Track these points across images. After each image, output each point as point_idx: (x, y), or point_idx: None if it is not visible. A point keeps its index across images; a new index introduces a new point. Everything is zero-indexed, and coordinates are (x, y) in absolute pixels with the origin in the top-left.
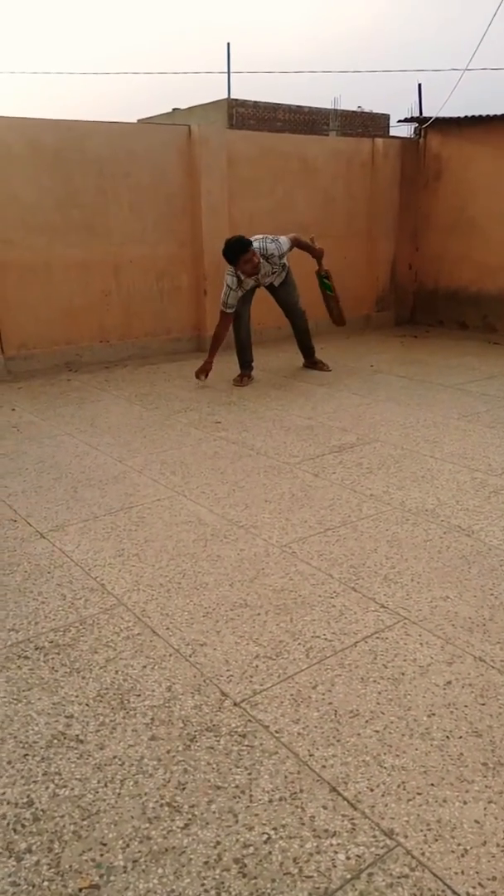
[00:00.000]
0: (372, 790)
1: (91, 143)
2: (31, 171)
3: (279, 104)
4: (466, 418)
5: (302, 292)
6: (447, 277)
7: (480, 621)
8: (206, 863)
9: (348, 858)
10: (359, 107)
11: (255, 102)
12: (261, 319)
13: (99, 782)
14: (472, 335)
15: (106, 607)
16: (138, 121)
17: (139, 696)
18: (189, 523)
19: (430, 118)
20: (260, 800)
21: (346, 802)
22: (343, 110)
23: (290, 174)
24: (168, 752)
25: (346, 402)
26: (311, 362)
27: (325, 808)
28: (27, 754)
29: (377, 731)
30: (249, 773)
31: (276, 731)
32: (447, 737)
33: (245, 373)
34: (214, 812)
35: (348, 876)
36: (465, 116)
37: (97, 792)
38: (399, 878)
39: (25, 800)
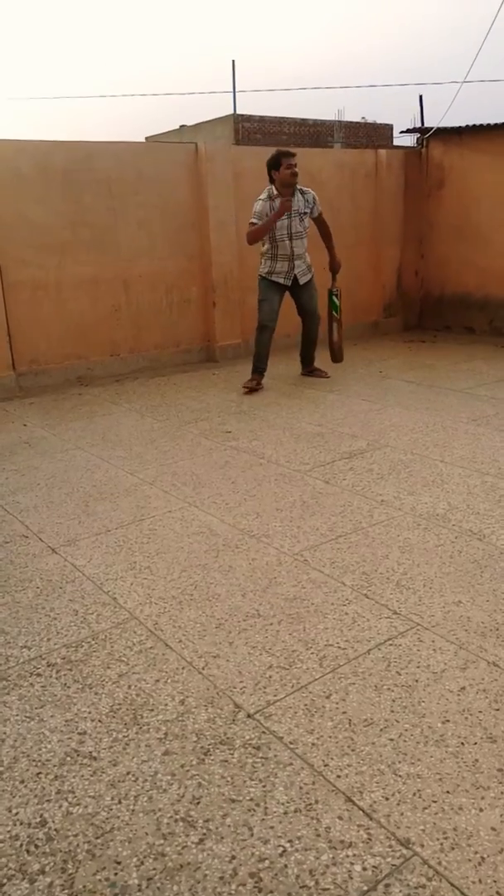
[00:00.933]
0: (387, 799)
1: (99, 163)
2: (41, 192)
3: (284, 118)
4: (475, 422)
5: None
6: (453, 283)
7: (494, 626)
8: (221, 878)
9: (365, 869)
10: (363, 118)
11: (261, 117)
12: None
13: (112, 799)
14: (480, 339)
15: (118, 621)
16: (146, 139)
17: (152, 710)
18: (200, 534)
19: (432, 128)
20: (275, 812)
21: (361, 812)
22: (347, 122)
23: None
24: (182, 766)
25: (355, 408)
26: (309, 370)
27: (340, 818)
28: (40, 773)
29: (392, 740)
30: (264, 786)
31: (291, 742)
32: (462, 743)
33: (256, 377)
34: (229, 826)
35: (365, 888)
36: (466, 126)
37: (111, 809)
38: (416, 888)
39: (38, 819)
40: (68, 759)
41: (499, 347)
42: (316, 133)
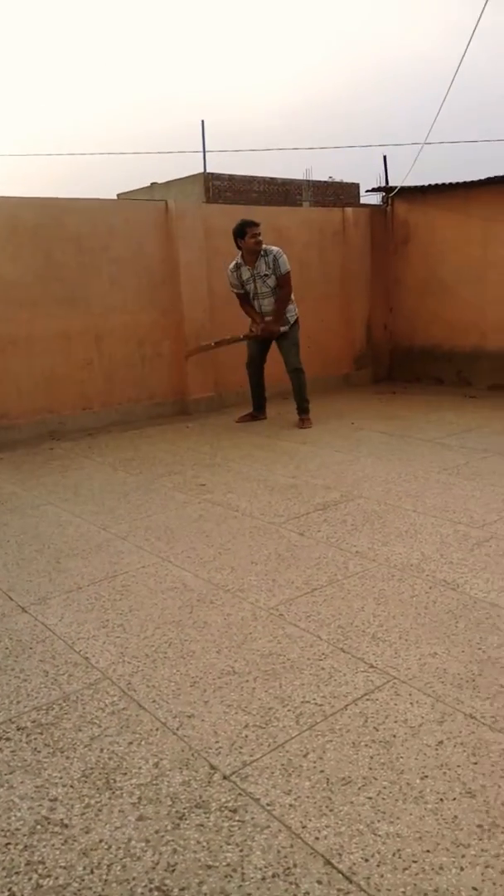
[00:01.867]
0: (367, 860)
1: (70, 219)
2: (12, 248)
3: (254, 177)
4: (447, 471)
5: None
6: (422, 336)
7: (469, 677)
8: None
9: None
10: (330, 177)
11: (231, 175)
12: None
13: (85, 869)
14: (449, 390)
15: (90, 682)
16: (118, 195)
17: (125, 774)
18: (174, 589)
19: (396, 187)
20: (252, 878)
21: (340, 875)
22: (315, 181)
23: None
24: (156, 832)
25: (328, 459)
26: (299, 419)
27: (319, 882)
28: (9, 843)
29: (370, 798)
30: (241, 850)
31: (268, 804)
32: (441, 799)
33: (254, 413)
34: (206, 894)
35: None
36: (429, 185)
37: (83, 880)
38: None
39: (6, 894)
40: (38, 827)
41: (467, 398)
42: (285, 191)
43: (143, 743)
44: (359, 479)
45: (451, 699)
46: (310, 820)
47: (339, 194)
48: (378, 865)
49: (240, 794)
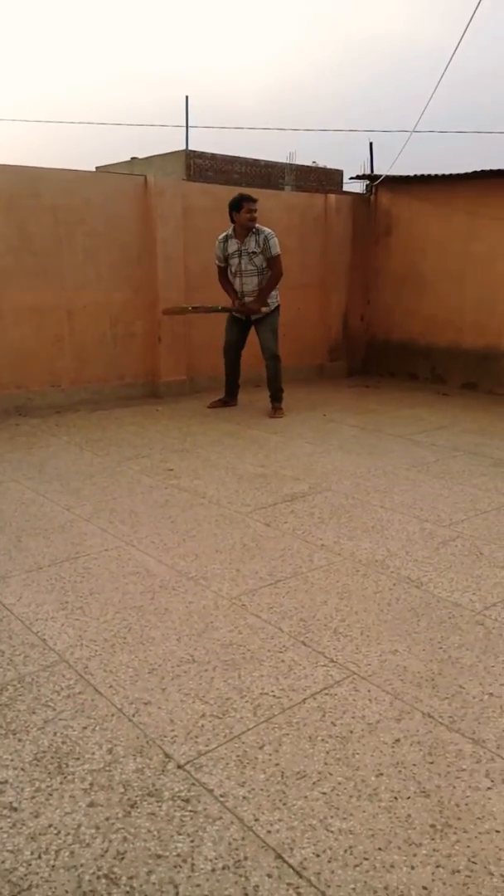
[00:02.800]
0: (318, 856)
1: (46, 190)
2: None
3: (236, 157)
4: (416, 468)
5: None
6: (398, 330)
7: (429, 675)
8: None
9: None
10: (313, 162)
11: (213, 154)
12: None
13: (32, 854)
14: (422, 386)
15: (46, 664)
16: (97, 168)
17: (78, 759)
18: (137, 574)
19: (381, 176)
20: (202, 869)
21: (291, 870)
22: (298, 165)
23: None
24: (107, 819)
25: (298, 450)
26: (271, 408)
27: (269, 876)
28: None
29: (324, 794)
30: (192, 841)
31: (221, 795)
32: (395, 798)
33: (226, 398)
34: (154, 884)
35: None
36: (414, 175)
37: (30, 865)
38: None
39: None
40: None
41: (440, 395)
42: (267, 174)
43: (97, 728)
44: (328, 471)
45: (410, 697)
46: (262, 813)
47: (323, 180)
48: (329, 861)
49: (193, 784)
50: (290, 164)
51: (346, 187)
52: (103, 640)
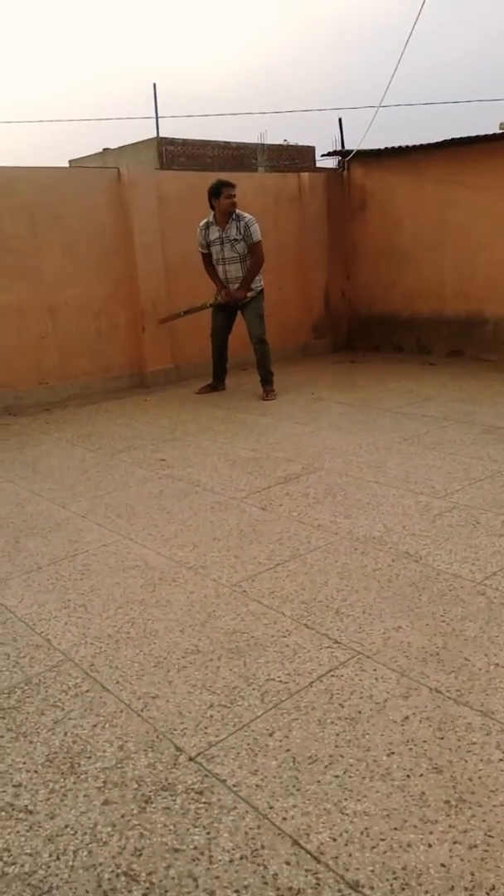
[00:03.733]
0: (335, 840)
1: (20, 189)
2: None
3: (208, 141)
4: (408, 441)
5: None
6: (380, 303)
7: (434, 650)
8: None
9: None
10: (285, 140)
11: (185, 140)
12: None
13: (51, 855)
14: (408, 358)
15: (52, 664)
16: (70, 162)
17: (90, 758)
18: (136, 568)
19: (352, 151)
20: (220, 860)
21: (309, 856)
22: (270, 145)
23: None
24: (122, 816)
25: (289, 431)
26: (263, 391)
27: (287, 863)
28: None
29: (337, 777)
30: (208, 833)
31: (234, 785)
32: (408, 776)
33: (214, 383)
34: (173, 878)
35: None
36: (385, 148)
37: (49, 867)
38: None
39: None
40: (3, 813)
41: (426, 365)
42: (240, 156)
43: (107, 725)
44: (320, 451)
45: (416, 673)
46: (277, 800)
47: (295, 158)
48: (346, 844)
49: (206, 776)
50: (262, 145)
51: (318, 164)
52: (107, 636)
